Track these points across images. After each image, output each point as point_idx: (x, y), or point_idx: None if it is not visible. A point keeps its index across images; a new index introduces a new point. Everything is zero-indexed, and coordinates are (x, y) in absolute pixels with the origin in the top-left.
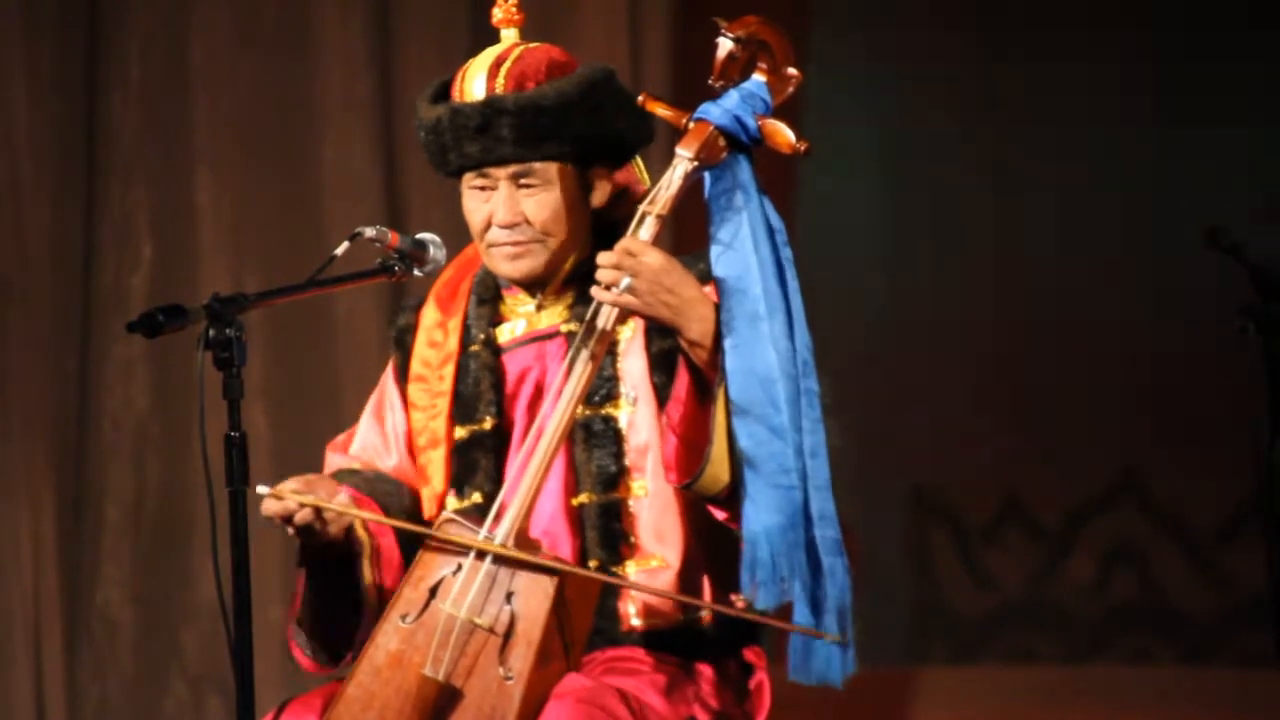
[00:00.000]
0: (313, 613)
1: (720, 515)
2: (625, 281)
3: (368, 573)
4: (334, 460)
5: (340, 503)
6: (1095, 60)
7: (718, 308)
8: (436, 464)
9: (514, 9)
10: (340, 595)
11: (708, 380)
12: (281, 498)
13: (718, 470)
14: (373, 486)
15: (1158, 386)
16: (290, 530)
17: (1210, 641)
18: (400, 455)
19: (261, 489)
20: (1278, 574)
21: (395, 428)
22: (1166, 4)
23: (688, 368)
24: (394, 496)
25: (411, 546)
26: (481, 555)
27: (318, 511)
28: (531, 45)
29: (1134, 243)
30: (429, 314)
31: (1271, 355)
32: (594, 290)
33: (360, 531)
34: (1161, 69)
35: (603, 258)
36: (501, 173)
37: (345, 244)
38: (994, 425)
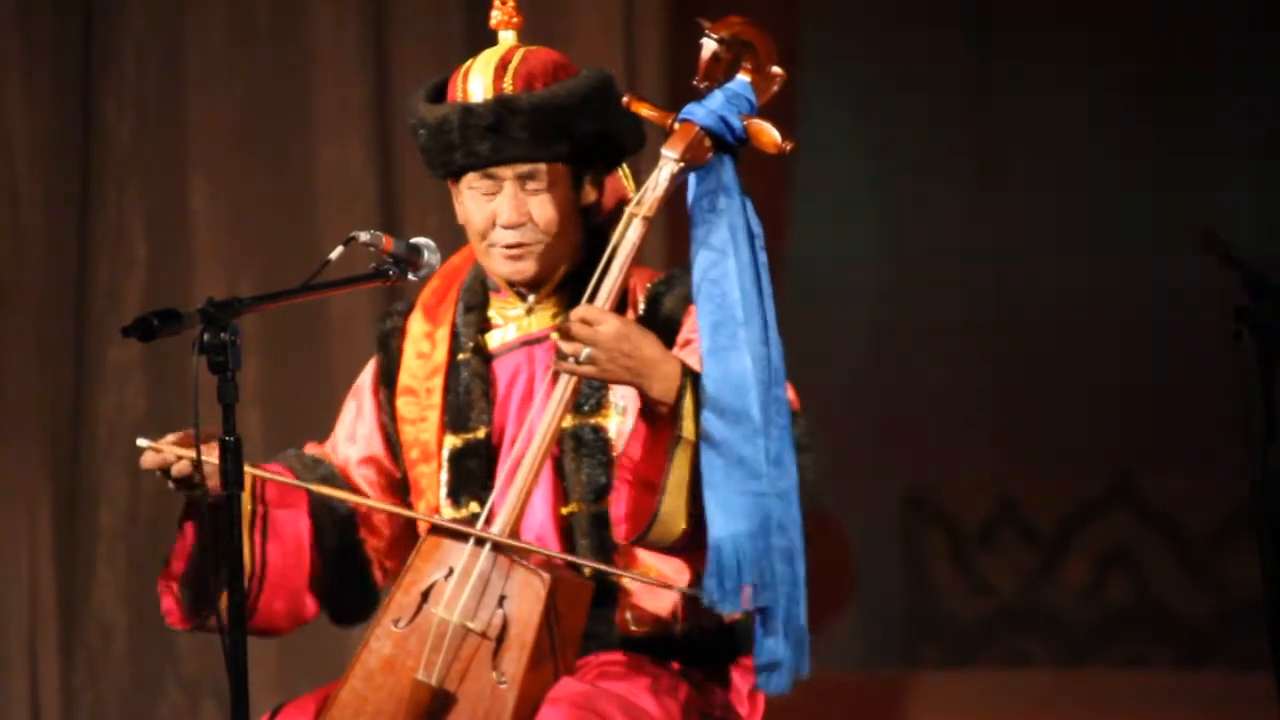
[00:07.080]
0: (191, 566)
1: (676, 558)
2: (585, 352)
3: (244, 538)
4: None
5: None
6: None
7: (696, 315)
8: (430, 477)
9: (513, 11)
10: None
11: (666, 434)
12: (160, 451)
13: (669, 526)
14: (303, 465)
15: (1153, 391)
16: (170, 484)
17: (1205, 645)
18: (352, 453)
19: (141, 441)
20: (1272, 578)
21: (356, 430)
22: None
23: (646, 423)
24: (329, 481)
25: (341, 543)
26: (475, 557)
27: (195, 466)
28: (532, 47)
29: (1131, 245)
30: (416, 324)
31: (1265, 358)
32: (554, 362)
33: (244, 496)
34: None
35: (561, 328)
36: (508, 172)
37: (340, 248)
38: (989, 429)
